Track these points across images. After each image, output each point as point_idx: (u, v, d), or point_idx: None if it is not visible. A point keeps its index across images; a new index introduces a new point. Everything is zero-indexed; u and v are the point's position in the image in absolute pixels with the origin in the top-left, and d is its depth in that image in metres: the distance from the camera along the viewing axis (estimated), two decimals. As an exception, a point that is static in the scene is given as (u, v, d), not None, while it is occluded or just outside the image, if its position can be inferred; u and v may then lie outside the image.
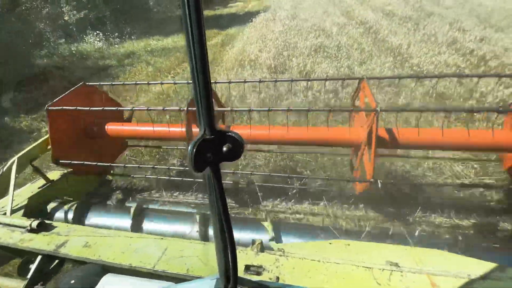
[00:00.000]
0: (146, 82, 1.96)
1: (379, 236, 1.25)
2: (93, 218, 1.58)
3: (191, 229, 1.39)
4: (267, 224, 1.32)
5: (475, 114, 3.01)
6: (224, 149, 0.47)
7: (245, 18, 12.92)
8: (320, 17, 10.27)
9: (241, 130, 1.69)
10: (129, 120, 2.18)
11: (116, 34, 10.85)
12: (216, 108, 1.82)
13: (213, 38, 9.91)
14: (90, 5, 11.66)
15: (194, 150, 0.45)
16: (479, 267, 0.93)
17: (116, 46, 10.26)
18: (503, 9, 8.98)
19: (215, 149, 0.47)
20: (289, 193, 2.08)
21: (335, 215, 1.84)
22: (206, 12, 16.63)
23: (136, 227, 1.47)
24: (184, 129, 1.50)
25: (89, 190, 2.02)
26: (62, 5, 10.28)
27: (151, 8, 14.66)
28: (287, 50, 6.60)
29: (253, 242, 1.12)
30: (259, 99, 3.98)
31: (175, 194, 2.23)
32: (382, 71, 4.86)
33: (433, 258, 0.97)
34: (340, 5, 12.94)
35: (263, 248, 1.10)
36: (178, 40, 10.23)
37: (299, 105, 3.63)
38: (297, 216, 1.89)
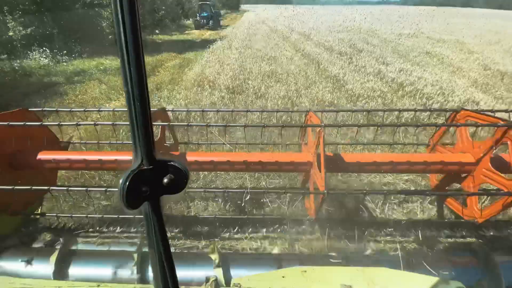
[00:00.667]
0: (83, 109, 1.80)
1: (335, 258, 1.23)
2: (8, 265, 1.29)
3: (130, 271, 1.20)
4: (215, 257, 1.17)
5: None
6: (165, 180, 0.42)
7: (202, 44, 13.60)
8: (271, 48, 11.51)
9: (194, 156, 1.57)
10: (65, 148, 1.98)
11: (65, 51, 10.26)
12: (157, 133, 1.69)
13: (171, 61, 10.14)
14: (37, 22, 10.88)
15: (127, 183, 0.40)
16: (424, 281, 0.94)
17: (65, 63, 9.64)
18: (419, 48, 11.53)
19: (154, 181, 0.43)
20: (245, 222, 1.93)
21: (290, 241, 1.74)
22: (163, 37, 16.90)
23: (62, 273, 1.22)
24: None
25: (7, 231, 1.63)
26: (7, 20, 9.40)
27: (104, 29, 14.31)
28: (243, 74, 7.23)
29: (207, 279, 1.05)
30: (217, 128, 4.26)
31: (111, 230, 1.89)
32: (323, 94, 5.74)
33: (383, 277, 0.98)
34: (289, 39, 14.73)
35: (218, 285, 1.04)
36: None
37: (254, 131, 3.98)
38: (253, 244, 1.76)
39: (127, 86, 0.43)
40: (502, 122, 1.37)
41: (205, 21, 20.65)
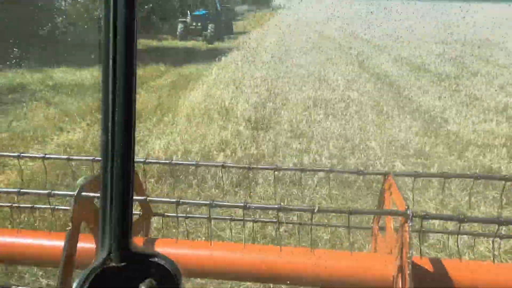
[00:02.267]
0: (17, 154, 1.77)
1: None
2: None
3: None
4: None
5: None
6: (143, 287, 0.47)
7: (208, 54, 15.27)
8: (320, 63, 12.67)
9: (187, 248, 1.67)
10: None
11: (-4, 57, 12.05)
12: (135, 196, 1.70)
13: (160, 77, 11.47)
14: None
15: None
16: None
17: (-6, 74, 11.29)
18: None
19: (126, 286, 0.47)
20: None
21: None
22: (148, 42, 19.26)
23: None
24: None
25: None
26: None
27: (59, 27, 16.73)
28: (274, 101, 8.03)
29: None
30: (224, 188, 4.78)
31: None
32: (408, 137, 6.21)
33: None
34: (350, 51, 16.11)
35: None
36: (99, 75, 11.61)
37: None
38: None
39: (107, 112, 0.50)
40: None
41: (199, 25, 19.91)
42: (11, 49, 13.08)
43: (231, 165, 2.13)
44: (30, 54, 13.37)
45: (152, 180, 4.55)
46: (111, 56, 0.50)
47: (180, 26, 20.27)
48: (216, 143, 5.80)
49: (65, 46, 15.33)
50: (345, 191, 4.37)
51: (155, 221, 3.07)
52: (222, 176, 4.11)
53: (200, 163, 1.73)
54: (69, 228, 1.32)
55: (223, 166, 1.76)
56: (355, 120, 6.99)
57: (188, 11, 21.17)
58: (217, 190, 4.42)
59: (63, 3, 16.55)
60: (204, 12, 20.88)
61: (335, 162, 5.10)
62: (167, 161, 1.80)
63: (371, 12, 37.31)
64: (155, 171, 4.61)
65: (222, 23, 21.17)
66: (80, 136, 6.79)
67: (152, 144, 5.90)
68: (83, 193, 1.34)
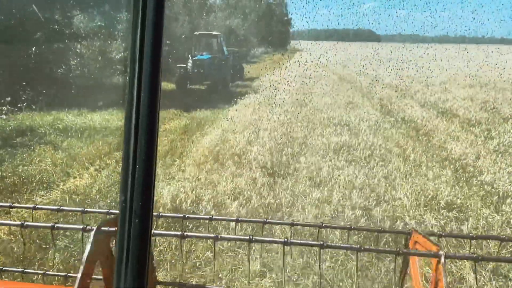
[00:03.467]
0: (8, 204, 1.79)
1: None
2: None
3: None
4: None
5: None
6: None
7: (224, 97, 15.56)
8: (342, 108, 12.73)
9: None
10: None
11: (8, 99, 12.51)
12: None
13: (171, 121, 11.66)
14: None
15: None
16: None
17: (4, 117, 11.68)
18: None
19: None
20: None
21: None
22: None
23: None
24: None
25: None
26: None
27: (72, 69, 17.46)
28: (292, 147, 8.00)
29: None
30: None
31: None
32: (438, 187, 6.01)
33: None
34: (373, 95, 16.21)
35: None
36: (110, 118, 11.91)
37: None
38: None
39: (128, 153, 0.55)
40: None
41: (202, 72, 18.15)
42: (23, 91, 13.65)
43: (246, 220, 2.08)
44: (42, 97, 13.87)
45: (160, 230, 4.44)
46: (135, 101, 0.54)
47: (178, 72, 18.35)
48: (229, 191, 5.73)
49: (77, 88, 15.91)
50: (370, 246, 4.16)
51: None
52: (235, 230, 3.98)
53: (214, 217, 1.75)
54: (82, 266, 1.27)
55: (237, 221, 1.74)
56: (379, 168, 6.87)
57: (190, 55, 19.32)
58: (229, 244, 4.29)
59: (78, 45, 17.32)
60: (208, 56, 18.84)
61: (359, 214, 4.94)
62: (180, 216, 1.78)
63: (401, 55, 38.01)
64: (162, 221, 4.51)
65: (229, 69, 19.89)
66: (88, 182, 6.81)
67: (160, 190, 5.85)
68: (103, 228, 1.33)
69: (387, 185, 6.10)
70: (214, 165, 6.79)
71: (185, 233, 1.47)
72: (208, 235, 1.51)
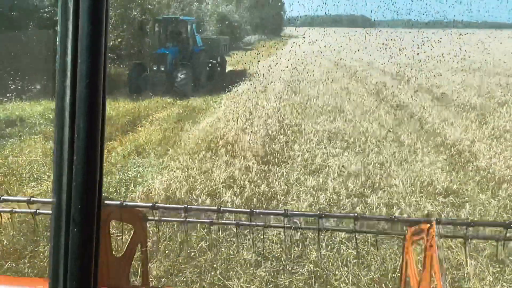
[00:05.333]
0: None
1: None
2: None
3: None
4: None
5: None
6: None
7: (218, 86, 15.39)
8: (336, 94, 12.64)
9: None
10: None
11: (-5, 87, 12.30)
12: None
13: (163, 110, 11.52)
14: None
15: None
16: None
17: (-10, 106, 11.48)
18: None
19: None
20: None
21: None
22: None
23: None
24: None
25: None
26: None
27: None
28: (286, 134, 7.91)
29: None
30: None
31: None
32: (433, 173, 5.97)
33: None
34: (367, 81, 16.11)
35: None
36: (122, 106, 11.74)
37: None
38: None
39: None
40: None
41: (163, 70, 13.65)
42: (12, 80, 13.41)
43: (230, 209, 2.02)
44: (31, 86, 13.63)
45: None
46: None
47: (131, 73, 14.05)
48: (223, 179, 5.65)
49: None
50: (368, 235, 4.13)
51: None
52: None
53: (223, 208, 1.66)
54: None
55: (219, 211, 1.67)
56: (374, 154, 6.82)
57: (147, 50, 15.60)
58: (225, 233, 4.23)
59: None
60: (173, 50, 14.33)
61: (355, 202, 4.88)
62: (181, 206, 1.70)
63: (391, 40, 37.84)
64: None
65: (205, 66, 15.83)
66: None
67: (152, 181, 5.76)
68: None
69: (383, 171, 6.05)
70: (206, 154, 6.69)
71: (188, 206, 1.52)
72: (212, 207, 1.54)
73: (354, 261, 3.76)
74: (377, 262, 3.83)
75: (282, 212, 1.50)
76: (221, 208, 1.55)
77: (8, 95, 12.43)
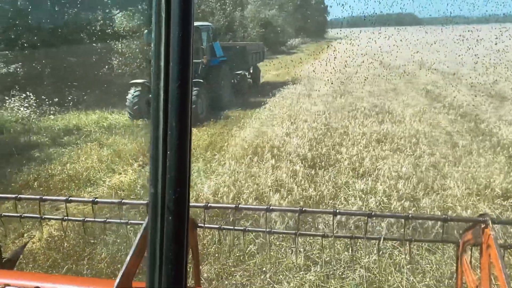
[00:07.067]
0: (64, 198, 1.86)
1: None
2: None
3: None
4: None
5: None
6: None
7: (262, 90, 15.49)
8: (385, 95, 12.35)
9: None
10: (11, 264, 2.11)
11: (56, 100, 13.06)
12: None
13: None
14: (24, 58, 14.62)
15: None
16: None
17: (52, 117, 12.20)
18: None
19: None
20: None
21: None
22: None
23: None
24: None
25: None
26: None
27: (115, 67, 17.94)
28: (332, 137, 7.83)
29: None
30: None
31: None
32: (490, 175, 5.68)
33: None
34: (417, 80, 15.61)
35: None
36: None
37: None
38: None
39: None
40: None
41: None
42: (69, 91, 14.23)
43: (279, 208, 2.05)
44: (86, 96, 14.39)
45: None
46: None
47: (132, 93, 11.49)
48: (270, 183, 5.68)
49: (119, 87, 16.35)
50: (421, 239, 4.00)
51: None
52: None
53: (272, 207, 1.64)
54: (126, 262, 1.27)
55: (268, 210, 1.66)
56: (426, 156, 6.59)
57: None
58: (274, 237, 4.25)
59: (120, 45, 17.77)
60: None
61: (407, 205, 4.74)
62: (232, 206, 1.70)
63: (441, 39, 36.52)
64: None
65: (230, 79, 13.78)
66: (132, 177, 6.98)
67: (201, 185, 5.89)
68: None
69: (436, 174, 5.84)
70: (252, 159, 6.75)
71: (239, 205, 1.50)
72: (261, 207, 1.53)
73: (408, 266, 3.65)
74: (432, 268, 3.69)
75: (332, 211, 1.51)
76: (270, 207, 1.56)
77: (65, 105, 13.21)
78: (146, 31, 15.03)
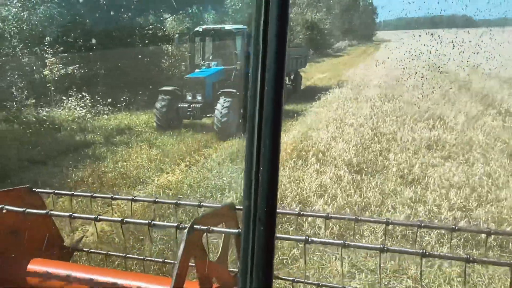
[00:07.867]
0: (110, 196, 2.04)
1: None
2: None
3: None
4: None
5: None
6: None
7: (305, 94, 15.40)
8: (436, 100, 11.91)
9: None
10: (69, 255, 2.21)
11: (109, 100, 13.63)
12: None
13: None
14: (81, 60, 15.37)
15: None
16: None
17: (105, 116, 12.75)
18: None
19: None
20: None
21: None
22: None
23: None
24: None
25: None
26: (46, 56, 13.82)
27: (165, 69, 18.46)
28: (380, 142, 7.65)
29: None
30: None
31: None
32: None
33: None
34: (469, 85, 14.92)
35: None
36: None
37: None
38: None
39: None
40: None
41: (202, 97, 10.79)
42: (122, 92, 14.81)
43: (337, 216, 2.06)
44: (138, 97, 14.93)
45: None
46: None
47: (160, 102, 10.86)
48: (314, 187, 5.64)
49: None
50: (473, 252, 3.82)
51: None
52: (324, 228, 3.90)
53: (331, 215, 1.71)
54: (177, 264, 1.29)
55: (327, 217, 1.71)
56: (480, 165, 6.29)
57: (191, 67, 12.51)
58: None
59: (169, 47, 18.28)
60: (212, 72, 11.54)
61: (459, 215, 4.55)
62: (295, 212, 1.76)
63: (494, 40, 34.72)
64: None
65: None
66: (179, 177, 7.16)
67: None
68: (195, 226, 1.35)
69: (491, 183, 5.56)
70: (296, 163, 6.72)
71: (309, 238, 1.42)
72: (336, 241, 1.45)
73: (458, 279, 3.51)
74: (484, 282, 3.53)
75: (384, 220, 1.52)
76: (329, 215, 1.61)
77: (118, 105, 13.77)
78: (177, 35, 15.04)
